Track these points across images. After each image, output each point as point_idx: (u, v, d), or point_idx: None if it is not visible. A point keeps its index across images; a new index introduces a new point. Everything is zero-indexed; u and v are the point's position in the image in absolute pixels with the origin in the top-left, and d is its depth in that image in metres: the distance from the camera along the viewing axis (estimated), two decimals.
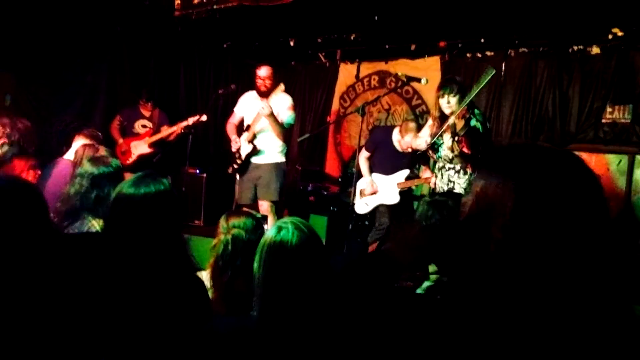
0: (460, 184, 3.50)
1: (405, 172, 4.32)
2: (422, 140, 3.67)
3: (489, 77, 3.35)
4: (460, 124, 3.38)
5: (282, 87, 4.26)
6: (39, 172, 3.28)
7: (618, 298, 0.73)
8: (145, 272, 1.45)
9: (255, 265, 1.44)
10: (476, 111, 3.48)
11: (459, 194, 3.37)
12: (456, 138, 3.35)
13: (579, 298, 0.71)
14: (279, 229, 1.43)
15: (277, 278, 1.38)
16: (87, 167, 2.24)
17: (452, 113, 3.40)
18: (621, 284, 0.74)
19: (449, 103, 3.42)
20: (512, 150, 0.86)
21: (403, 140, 4.32)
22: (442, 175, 3.62)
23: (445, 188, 3.53)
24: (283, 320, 1.35)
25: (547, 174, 0.77)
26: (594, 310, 0.70)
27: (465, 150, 3.36)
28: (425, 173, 4.43)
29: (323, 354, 1.32)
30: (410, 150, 4.29)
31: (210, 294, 1.99)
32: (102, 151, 2.73)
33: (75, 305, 1.33)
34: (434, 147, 3.66)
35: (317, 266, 1.43)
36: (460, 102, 3.41)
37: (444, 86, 3.47)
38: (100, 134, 3.57)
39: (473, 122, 3.36)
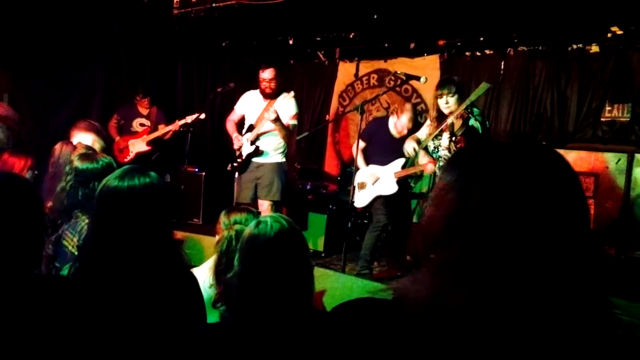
0: None
1: (401, 160, 4.22)
2: (410, 147, 3.63)
3: (484, 90, 3.35)
4: (458, 124, 3.38)
5: (292, 93, 4.24)
6: (36, 172, 3.25)
7: (597, 303, 0.65)
8: (132, 267, 1.43)
9: (235, 260, 1.43)
10: (475, 110, 3.47)
11: None
12: (453, 138, 3.34)
13: (555, 303, 0.63)
14: (258, 223, 1.42)
15: (255, 272, 1.36)
16: (75, 162, 2.22)
17: (450, 113, 3.40)
18: (599, 288, 0.66)
19: (448, 103, 3.42)
20: (482, 151, 0.73)
21: (399, 121, 4.26)
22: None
23: None
24: (261, 316, 1.33)
25: (518, 182, 0.65)
26: (573, 316, 0.63)
27: None
28: (423, 159, 4.37)
29: (302, 350, 1.30)
30: (405, 132, 4.23)
31: (212, 290, 1.98)
32: (80, 148, 2.67)
33: (64, 302, 1.31)
34: (432, 148, 3.66)
35: (296, 259, 1.40)
36: (458, 102, 3.40)
37: (442, 86, 3.46)
38: (97, 124, 3.46)
39: (471, 122, 3.36)
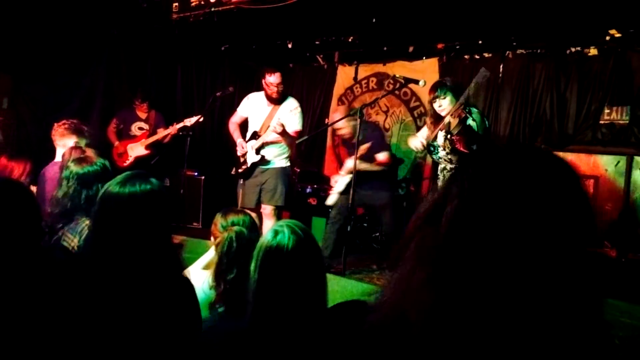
0: None
1: (350, 160, 4.26)
2: (417, 141, 3.65)
3: (483, 77, 3.37)
4: (454, 122, 3.36)
5: (299, 108, 4.29)
6: (31, 176, 3.26)
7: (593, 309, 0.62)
8: (131, 272, 1.43)
9: (252, 269, 1.45)
10: (473, 110, 3.47)
11: None
12: (449, 136, 3.34)
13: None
14: (276, 233, 1.44)
15: (272, 282, 1.39)
16: (72, 167, 2.24)
17: (447, 114, 3.41)
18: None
19: (441, 106, 3.45)
20: (484, 156, 0.70)
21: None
22: (443, 176, 3.60)
23: None
24: (275, 324, 1.35)
25: (510, 183, 0.62)
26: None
27: (460, 149, 3.35)
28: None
29: (316, 356, 1.31)
30: (344, 133, 4.34)
31: (212, 292, 1.98)
32: (89, 152, 2.70)
33: (61, 307, 1.31)
34: (431, 149, 3.66)
35: (313, 270, 1.43)
36: (453, 102, 3.42)
37: (434, 90, 3.50)
38: (75, 122, 3.40)
39: (469, 122, 3.35)
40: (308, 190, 5.79)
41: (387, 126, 6.28)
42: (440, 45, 5.71)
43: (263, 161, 4.29)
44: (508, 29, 5.07)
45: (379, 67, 6.35)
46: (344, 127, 4.29)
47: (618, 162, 4.76)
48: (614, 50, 4.80)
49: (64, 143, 3.21)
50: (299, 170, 6.09)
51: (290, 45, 6.08)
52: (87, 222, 2.10)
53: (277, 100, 4.23)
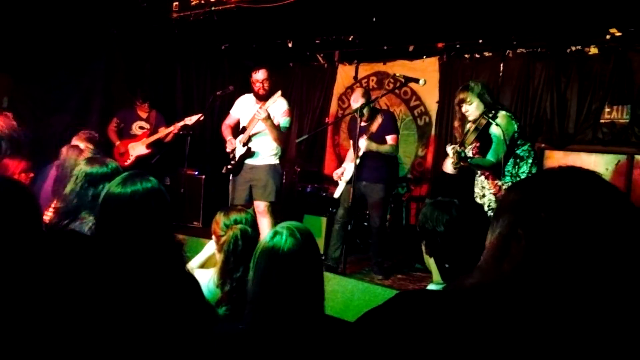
0: (490, 189, 3.42)
1: (362, 140, 4.22)
2: (449, 165, 3.50)
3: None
4: (472, 129, 3.28)
5: (279, 93, 4.26)
6: (32, 174, 3.26)
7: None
8: (136, 270, 1.43)
9: (250, 269, 1.45)
10: (500, 112, 3.29)
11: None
12: (459, 148, 3.23)
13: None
14: (275, 234, 1.44)
15: (267, 283, 1.39)
16: (83, 166, 2.26)
17: (474, 120, 3.30)
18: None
19: (468, 112, 3.34)
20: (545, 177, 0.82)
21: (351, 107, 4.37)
22: (476, 181, 3.55)
23: (480, 194, 3.43)
24: (271, 326, 1.35)
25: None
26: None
27: (477, 156, 3.31)
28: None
29: (314, 356, 1.31)
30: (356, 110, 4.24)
31: (218, 290, 1.98)
32: (87, 152, 2.73)
33: (64, 307, 1.31)
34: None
35: (308, 273, 1.43)
36: (479, 108, 3.29)
37: (459, 95, 3.39)
38: (97, 135, 3.59)
39: (491, 129, 3.23)
40: (308, 189, 5.79)
41: None
42: (440, 45, 5.70)
43: (249, 153, 4.31)
44: (508, 28, 5.07)
45: (379, 66, 6.35)
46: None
47: (618, 161, 4.76)
48: (615, 50, 4.80)
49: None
50: (299, 169, 6.09)
51: (290, 45, 6.07)
52: (94, 220, 2.10)
53: (264, 97, 4.27)
